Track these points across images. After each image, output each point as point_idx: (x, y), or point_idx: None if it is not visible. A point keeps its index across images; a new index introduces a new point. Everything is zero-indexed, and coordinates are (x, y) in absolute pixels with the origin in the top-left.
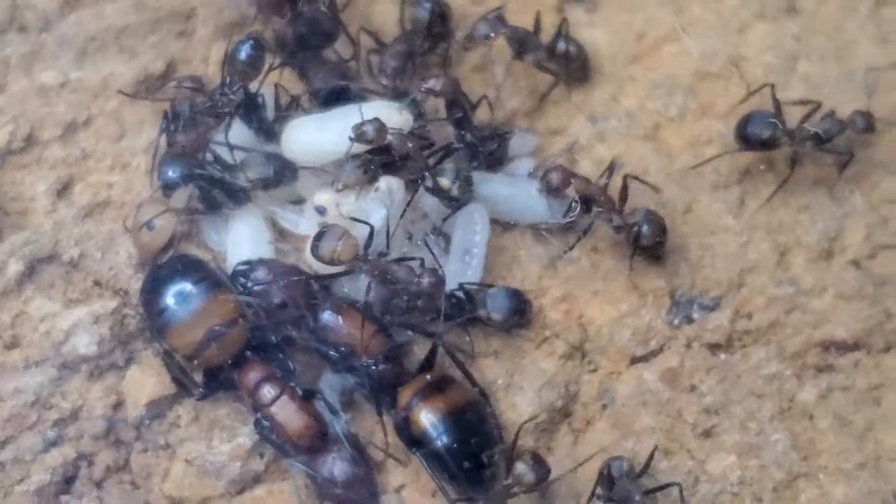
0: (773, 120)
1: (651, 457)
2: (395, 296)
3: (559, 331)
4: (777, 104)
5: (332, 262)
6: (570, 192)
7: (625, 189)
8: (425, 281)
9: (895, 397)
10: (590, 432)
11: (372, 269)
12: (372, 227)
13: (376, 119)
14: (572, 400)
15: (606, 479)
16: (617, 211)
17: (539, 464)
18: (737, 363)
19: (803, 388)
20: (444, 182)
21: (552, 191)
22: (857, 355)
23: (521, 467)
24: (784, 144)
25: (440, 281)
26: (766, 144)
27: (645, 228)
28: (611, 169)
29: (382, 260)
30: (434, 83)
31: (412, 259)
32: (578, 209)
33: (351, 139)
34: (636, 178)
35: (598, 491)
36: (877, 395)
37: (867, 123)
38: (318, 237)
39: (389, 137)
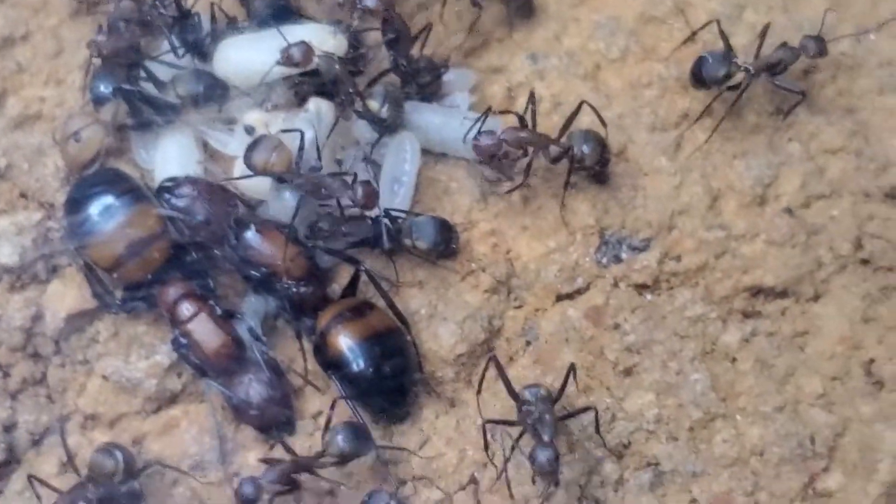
0: (727, 56)
1: (566, 379)
2: (323, 220)
3: (486, 264)
4: (726, 40)
5: (264, 173)
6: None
7: (574, 114)
8: (360, 191)
9: (819, 344)
10: (512, 368)
11: (306, 181)
12: (302, 134)
13: (303, 42)
14: (496, 334)
15: (521, 404)
16: (553, 140)
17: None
18: (662, 304)
19: (727, 332)
20: (373, 105)
21: (488, 158)
22: (784, 302)
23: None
24: (740, 80)
25: (374, 192)
26: (723, 82)
27: (585, 148)
28: (531, 100)
29: (315, 173)
30: (369, 1)
31: (344, 174)
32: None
33: (278, 62)
34: (591, 106)
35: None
36: (801, 342)
37: (819, 47)
38: (251, 147)
39: (317, 60)
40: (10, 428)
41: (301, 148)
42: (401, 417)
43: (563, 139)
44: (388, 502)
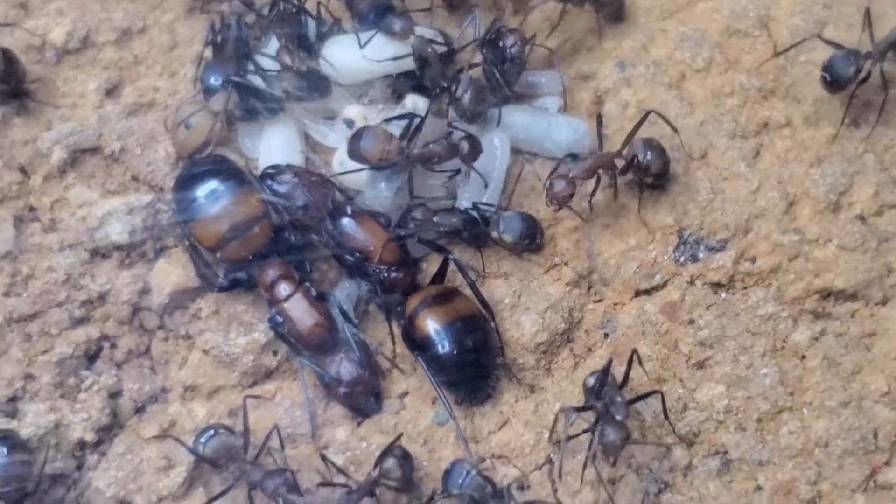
0: (851, 52)
1: (630, 363)
2: (416, 210)
3: (568, 259)
4: (834, 44)
5: (379, 161)
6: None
7: (639, 124)
8: (465, 146)
9: (886, 345)
10: (590, 358)
11: (417, 157)
12: (411, 119)
13: (406, 16)
14: (575, 326)
15: (589, 389)
16: (617, 153)
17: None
18: (736, 302)
19: (797, 330)
20: (459, 91)
21: (568, 199)
22: (853, 305)
23: (389, 462)
24: (870, 68)
25: (478, 143)
26: (855, 77)
27: (648, 155)
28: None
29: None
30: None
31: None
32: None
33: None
34: (659, 114)
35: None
36: (868, 343)
37: None
38: (359, 137)
39: (412, 38)
40: (115, 395)
41: (407, 135)
42: (482, 399)
43: (626, 150)
44: (469, 471)
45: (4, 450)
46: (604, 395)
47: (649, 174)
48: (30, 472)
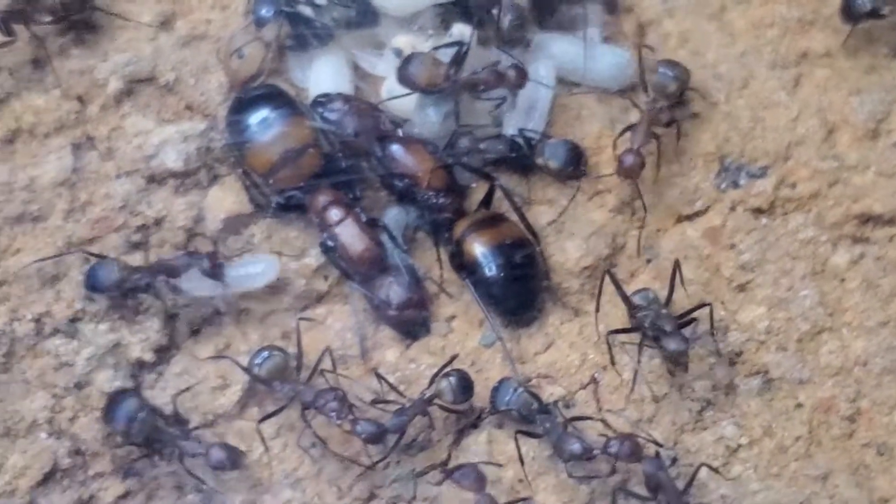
0: None
1: (673, 276)
2: (463, 137)
3: (612, 186)
4: None
5: (426, 86)
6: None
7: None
8: (512, 74)
9: None
10: (633, 283)
11: (464, 84)
12: (460, 46)
13: None
14: (619, 251)
15: (634, 308)
16: (657, 106)
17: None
18: (776, 227)
19: (837, 254)
20: (501, 16)
21: (638, 171)
22: (891, 230)
23: (444, 383)
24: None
25: (524, 71)
26: (872, 13)
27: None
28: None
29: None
30: None
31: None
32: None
33: None
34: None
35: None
36: None
37: None
38: (408, 62)
39: None
40: (171, 317)
41: (456, 61)
42: (528, 321)
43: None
44: (516, 389)
45: None
46: (648, 312)
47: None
48: None
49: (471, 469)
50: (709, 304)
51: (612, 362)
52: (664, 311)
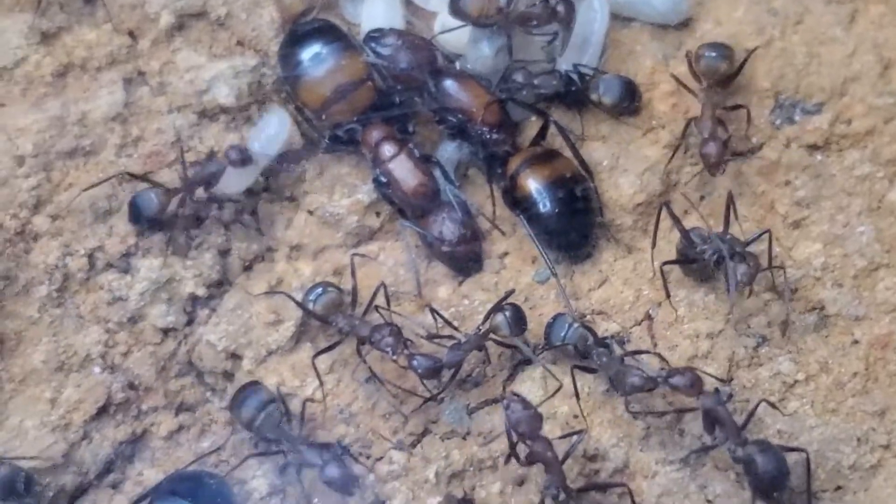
0: None
1: (728, 209)
2: (516, 73)
3: (666, 122)
4: None
5: (478, 18)
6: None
7: None
8: (562, 8)
9: None
10: (687, 220)
11: (516, 18)
12: None
13: None
14: (672, 188)
15: (689, 241)
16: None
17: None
18: (832, 164)
19: (893, 190)
20: None
21: (719, 163)
22: None
23: (499, 318)
24: None
25: (572, 6)
26: None
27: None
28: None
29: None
30: None
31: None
32: None
33: None
34: None
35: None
36: None
37: None
38: None
39: None
40: (224, 253)
41: None
42: (581, 258)
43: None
44: (571, 324)
45: None
46: (707, 245)
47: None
48: None
49: (523, 410)
50: (768, 231)
51: (668, 295)
52: (728, 235)
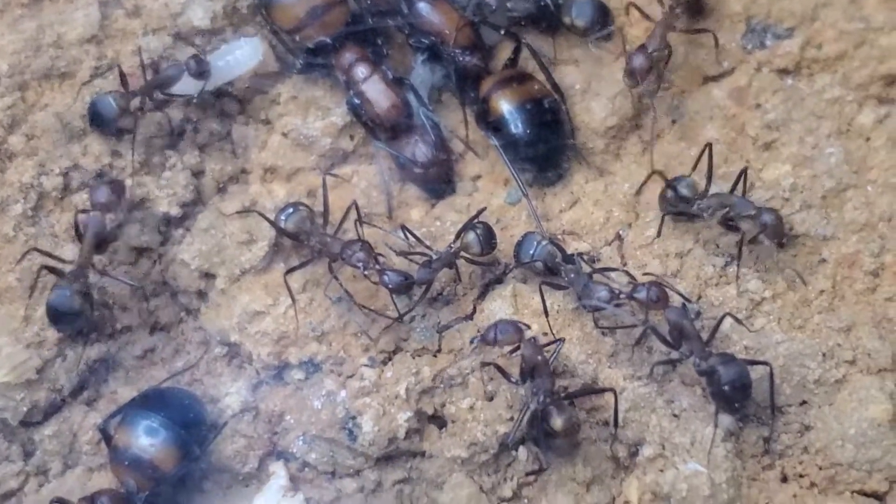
0: None
1: (710, 160)
2: None
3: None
4: None
5: None
6: None
7: None
8: None
9: None
10: (659, 144)
11: None
12: None
13: None
14: (645, 112)
15: (675, 198)
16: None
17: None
18: (802, 87)
19: (862, 113)
20: None
21: (638, 74)
22: None
23: (470, 236)
24: None
25: None
26: None
27: None
28: None
29: None
30: None
31: None
32: None
33: None
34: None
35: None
36: None
37: None
38: None
39: None
40: (198, 174)
41: None
42: (553, 180)
43: None
44: (539, 241)
45: None
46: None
47: None
48: None
49: (505, 323)
50: (746, 168)
51: (659, 234)
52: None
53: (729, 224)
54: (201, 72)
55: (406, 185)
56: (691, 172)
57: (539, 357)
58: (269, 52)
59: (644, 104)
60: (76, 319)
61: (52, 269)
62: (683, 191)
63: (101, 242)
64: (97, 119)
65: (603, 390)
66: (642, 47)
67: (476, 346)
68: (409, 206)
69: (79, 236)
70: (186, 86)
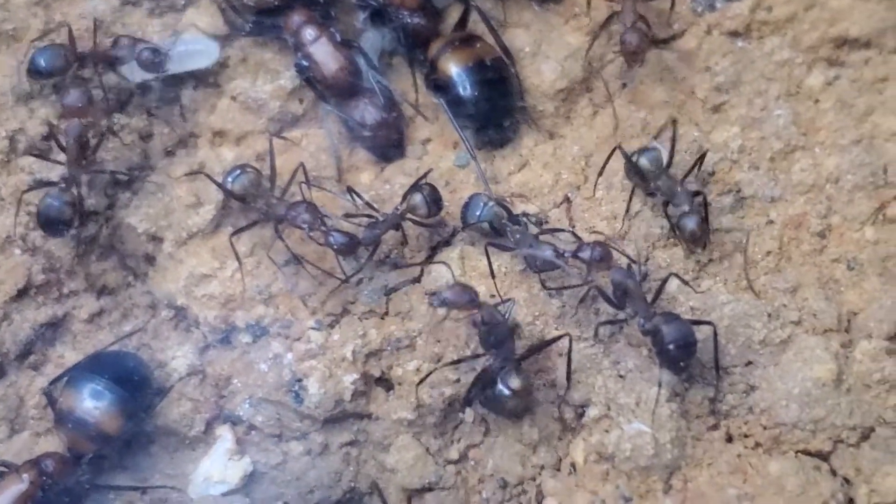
0: None
1: (674, 138)
2: None
3: (589, 10)
4: None
5: None
6: None
7: None
8: None
9: None
10: (609, 108)
11: None
12: None
13: None
14: (595, 75)
15: (636, 170)
16: None
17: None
18: (752, 49)
19: (812, 75)
20: None
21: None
22: (867, 52)
23: (417, 197)
24: None
25: None
26: None
27: None
28: None
29: None
30: None
31: None
32: None
33: None
34: None
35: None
36: (881, 87)
37: None
38: None
39: None
40: (146, 137)
41: None
42: (502, 143)
43: None
44: (486, 202)
45: None
46: (662, 181)
47: None
48: None
49: (459, 287)
50: (705, 153)
51: (627, 210)
52: (678, 188)
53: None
54: (153, 63)
55: (355, 149)
56: (668, 163)
57: (498, 317)
58: (217, 14)
59: (594, 67)
60: (66, 227)
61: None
62: (645, 164)
63: (84, 146)
64: (37, 67)
65: (557, 338)
66: (628, 26)
67: (437, 304)
68: (359, 169)
69: (62, 149)
70: (132, 71)
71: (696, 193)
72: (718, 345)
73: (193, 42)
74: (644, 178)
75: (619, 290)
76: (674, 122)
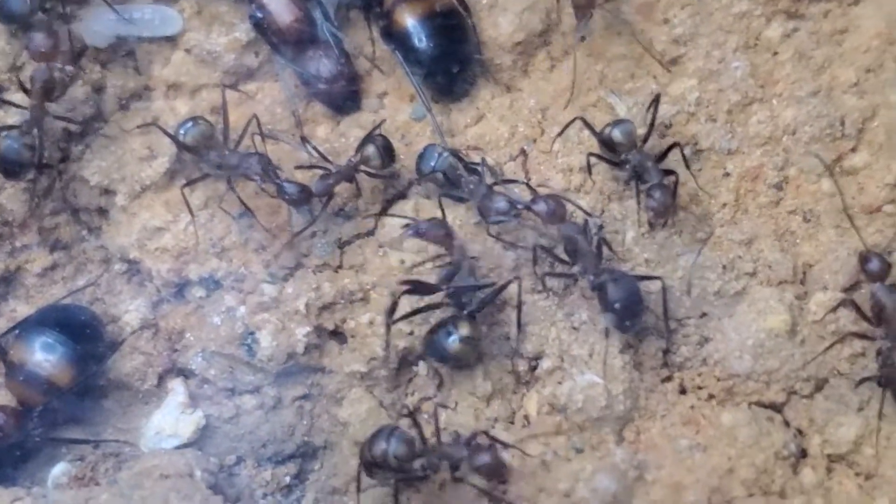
0: None
1: (654, 113)
2: None
3: None
4: None
5: None
6: None
7: None
8: None
9: (857, 40)
10: (566, 61)
11: None
12: None
13: None
14: (553, 28)
15: (608, 143)
16: None
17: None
18: (710, 2)
19: (770, 28)
20: None
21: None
22: (826, 5)
23: (370, 148)
24: None
25: None
26: None
27: None
28: None
29: None
30: None
31: None
32: None
33: None
34: None
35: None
36: (840, 39)
37: None
38: None
39: None
40: (99, 90)
41: None
42: (459, 95)
43: None
44: (440, 153)
45: None
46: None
47: None
48: None
49: (436, 220)
50: (677, 144)
51: (590, 173)
52: (649, 163)
53: (636, 176)
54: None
55: (311, 102)
56: (646, 138)
57: (467, 262)
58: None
59: (552, 20)
60: (24, 171)
61: None
62: (618, 136)
63: (49, 90)
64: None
65: (506, 284)
66: None
67: (412, 234)
68: (316, 122)
69: (26, 92)
70: (93, 36)
71: (669, 172)
72: (672, 297)
73: (159, 12)
74: (614, 150)
75: (571, 245)
76: (656, 98)
